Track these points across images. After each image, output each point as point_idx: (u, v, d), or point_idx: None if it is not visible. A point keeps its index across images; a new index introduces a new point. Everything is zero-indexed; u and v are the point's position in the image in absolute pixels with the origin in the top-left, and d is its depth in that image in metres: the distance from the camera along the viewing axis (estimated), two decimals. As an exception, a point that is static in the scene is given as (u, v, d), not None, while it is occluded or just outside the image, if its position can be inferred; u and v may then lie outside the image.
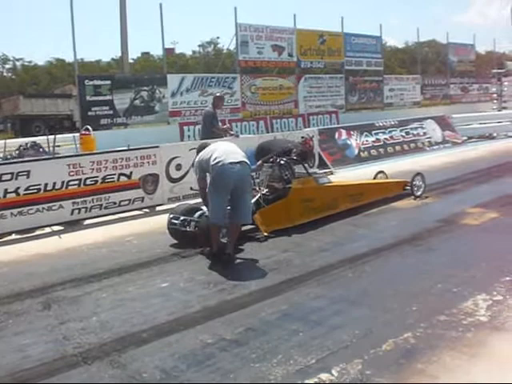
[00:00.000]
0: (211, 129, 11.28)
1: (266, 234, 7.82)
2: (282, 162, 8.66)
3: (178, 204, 8.89)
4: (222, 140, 9.26)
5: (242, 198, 6.86)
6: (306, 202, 8.65)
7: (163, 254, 7.32)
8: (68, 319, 5.26)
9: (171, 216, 7.77)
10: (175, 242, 7.76)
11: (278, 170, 8.59)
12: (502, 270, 6.11)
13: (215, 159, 6.70)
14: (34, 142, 14.86)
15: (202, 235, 7.19)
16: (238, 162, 6.73)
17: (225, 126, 12.56)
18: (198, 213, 7.59)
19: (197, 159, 7.13)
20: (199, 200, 8.02)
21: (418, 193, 10.41)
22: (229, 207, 6.88)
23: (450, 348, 4.35)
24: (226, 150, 6.94)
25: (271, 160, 8.79)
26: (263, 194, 8.28)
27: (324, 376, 3.97)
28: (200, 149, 7.30)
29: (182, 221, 7.55)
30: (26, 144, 14.53)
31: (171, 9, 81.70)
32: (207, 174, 6.99)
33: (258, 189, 8.35)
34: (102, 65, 45.97)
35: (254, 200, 7.81)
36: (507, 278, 5.84)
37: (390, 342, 4.46)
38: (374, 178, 10.96)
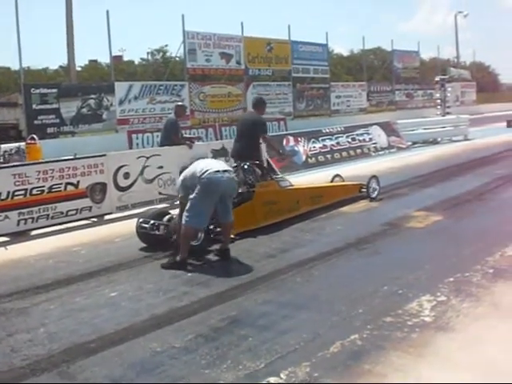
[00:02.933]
0: (172, 137, 11.21)
1: (232, 236, 7.93)
2: (245, 166, 8.90)
3: (146, 208, 9.05)
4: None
5: (228, 202, 7.24)
6: (270, 205, 8.91)
7: (111, 263, 7.24)
8: (15, 331, 5.17)
9: (141, 220, 7.86)
10: (123, 251, 7.73)
11: (241, 174, 8.77)
12: (446, 271, 6.27)
13: (202, 170, 6.94)
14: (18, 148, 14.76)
15: (171, 238, 7.45)
16: (225, 171, 7.09)
17: (187, 135, 12.59)
18: (167, 217, 7.85)
19: (181, 178, 7.23)
20: (150, 207, 8.09)
21: (374, 195, 10.78)
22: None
23: (396, 348, 4.44)
24: (210, 162, 7.32)
25: (235, 165, 8.97)
26: None
27: (273, 379, 4.02)
28: (182, 170, 7.46)
29: (151, 225, 7.66)
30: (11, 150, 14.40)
31: (119, 16, 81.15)
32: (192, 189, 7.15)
33: None
34: (50, 73, 45.13)
35: None
36: (451, 279, 5.99)
37: (338, 344, 4.53)
38: (331, 181, 11.24)
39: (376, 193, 10.87)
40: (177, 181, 7.49)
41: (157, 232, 7.65)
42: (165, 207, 8.17)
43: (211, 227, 7.69)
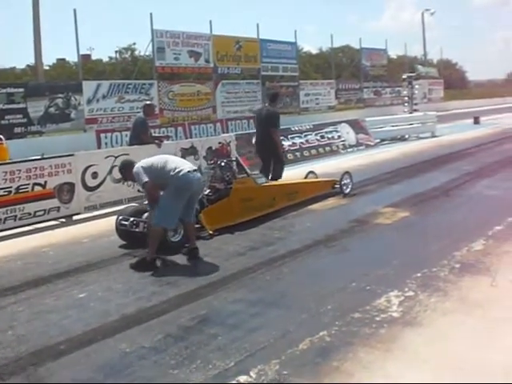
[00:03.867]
0: (141, 136, 11.13)
1: (211, 232, 8.12)
2: (222, 163, 9.07)
3: (125, 206, 9.16)
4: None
5: (195, 202, 7.40)
6: (247, 202, 9.04)
7: (80, 264, 7.19)
8: (-18, 334, 5.11)
9: (120, 217, 7.88)
10: (92, 251, 7.70)
11: (219, 171, 8.95)
12: (413, 266, 6.34)
13: (175, 169, 6.92)
14: None
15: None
16: (195, 170, 7.12)
17: (156, 134, 12.53)
18: (146, 214, 7.75)
19: (142, 165, 7.04)
20: (121, 207, 8.13)
21: (347, 191, 11.00)
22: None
23: (364, 344, 4.48)
24: (179, 162, 7.27)
25: (212, 162, 9.27)
26: (206, 195, 8.59)
27: (242, 378, 4.03)
28: (127, 165, 7.37)
29: (131, 222, 7.66)
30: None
31: (87, 15, 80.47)
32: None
33: None
34: (17, 72, 44.52)
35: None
36: (418, 275, 6.07)
37: (307, 341, 4.56)
38: (305, 178, 11.43)
39: (349, 188, 11.09)
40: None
41: (136, 229, 7.66)
42: (143, 204, 8.14)
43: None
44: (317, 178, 11.59)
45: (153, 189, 6.98)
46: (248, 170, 10.40)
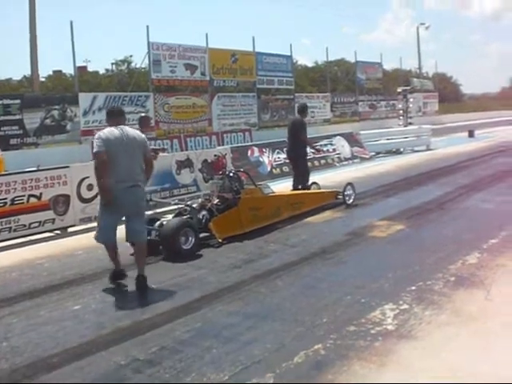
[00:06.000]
0: None
1: (220, 240, 8.37)
2: (231, 174, 9.44)
3: None
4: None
5: (136, 220, 6.62)
6: (254, 211, 9.32)
7: (75, 276, 7.19)
8: (-23, 346, 5.10)
9: None
10: (87, 263, 7.71)
11: (227, 182, 9.23)
12: (408, 279, 6.37)
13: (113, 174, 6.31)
14: None
15: (162, 243, 7.79)
16: (132, 186, 6.41)
17: (152, 147, 12.53)
18: (158, 222, 8.16)
19: (101, 136, 6.37)
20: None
21: (350, 201, 11.25)
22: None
23: (359, 357, 4.48)
24: (126, 168, 6.39)
25: (221, 172, 9.62)
26: (215, 204, 8.88)
27: (237, 391, 4.03)
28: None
29: None
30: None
31: (84, 26, 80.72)
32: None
33: (209, 199, 9.08)
34: (13, 83, 44.46)
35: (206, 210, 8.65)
36: (413, 288, 6.09)
37: (302, 354, 4.56)
38: (309, 189, 11.65)
39: (352, 199, 11.31)
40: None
41: (148, 237, 7.56)
42: (155, 213, 8.27)
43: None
44: (320, 189, 11.85)
45: (102, 164, 6.34)
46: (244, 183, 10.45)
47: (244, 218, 9.04)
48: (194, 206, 8.77)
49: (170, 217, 8.88)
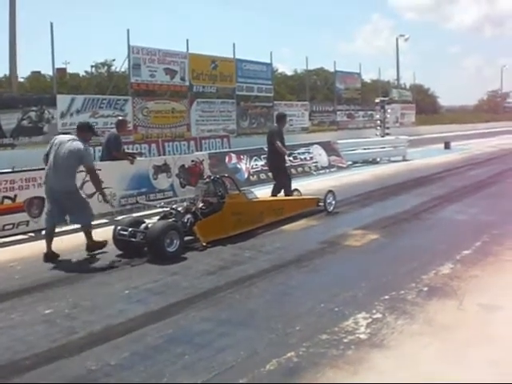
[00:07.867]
0: (113, 153, 11.08)
1: (204, 244, 8.44)
2: (215, 178, 9.54)
3: (122, 217, 9.73)
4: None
5: (65, 202, 8.11)
6: (238, 215, 9.45)
7: (47, 279, 7.12)
8: None
9: (119, 228, 8.23)
10: (60, 267, 7.65)
11: (212, 186, 9.37)
12: (381, 289, 6.39)
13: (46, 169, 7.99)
14: None
15: (147, 245, 7.94)
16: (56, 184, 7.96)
17: (129, 150, 12.55)
18: (143, 225, 8.32)
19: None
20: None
21: (330, 208, 11.39)
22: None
23: (332, 365, 4.49)
24: (55, 166, 7.95)
25: (205, 177, 9.84)
26: (200, 208, 8.97)
27: (208, 397, 4.01)
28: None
29: (130, 232, 8.05)
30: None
31: (64, 28, 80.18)
32: None
33: (194, 203, 9.12)
34: (-10, 83, 44.06)
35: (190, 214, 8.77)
36: (386, 297, 6.11)
37: (274, 361, 4.55)
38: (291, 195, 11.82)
39: (332, 206, 11.45)
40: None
41: (133, 239, 8.00)
42: (141, 216, 8.40)
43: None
44: (301, 195, 12.01)
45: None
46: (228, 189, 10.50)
47: (228, 223, 9.15)
48: (179, 209, 8.83)
49: (155, 219, 9.01)
